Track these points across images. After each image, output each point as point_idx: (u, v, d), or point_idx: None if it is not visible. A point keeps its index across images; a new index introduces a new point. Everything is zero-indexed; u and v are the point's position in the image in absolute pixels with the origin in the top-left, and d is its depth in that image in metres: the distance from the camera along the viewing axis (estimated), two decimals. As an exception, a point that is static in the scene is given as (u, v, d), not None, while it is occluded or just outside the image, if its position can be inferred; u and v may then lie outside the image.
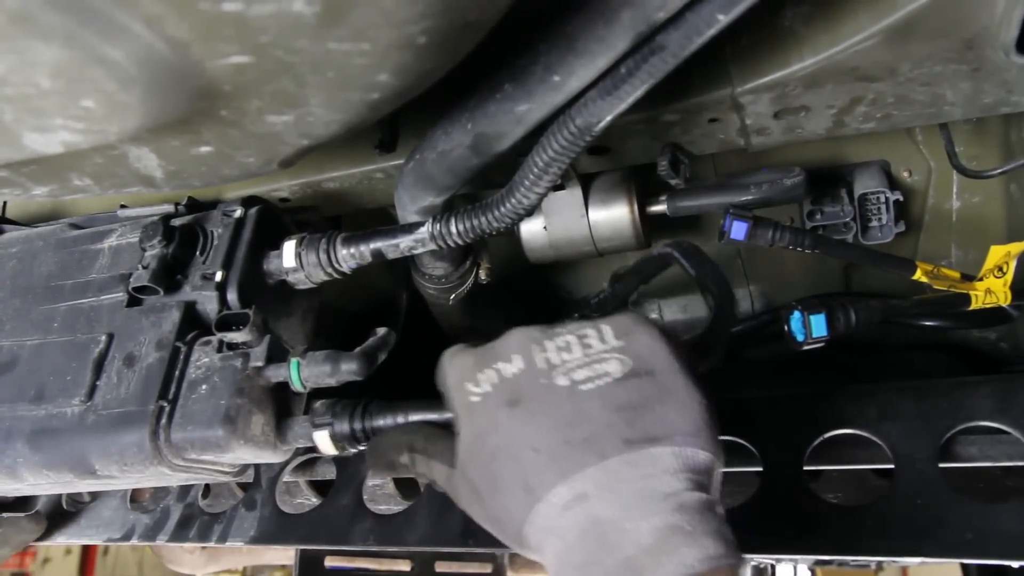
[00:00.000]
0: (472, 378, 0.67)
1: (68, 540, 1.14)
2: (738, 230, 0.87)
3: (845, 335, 0.85)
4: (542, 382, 0.64)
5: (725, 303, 0.77)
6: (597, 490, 0.59)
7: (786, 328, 0.86)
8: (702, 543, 0.55)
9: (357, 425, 0.78)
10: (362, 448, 0.79)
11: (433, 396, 0.75)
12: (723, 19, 0.58)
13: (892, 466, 0.81)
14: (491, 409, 0.65)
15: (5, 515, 1.14)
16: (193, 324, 0.84)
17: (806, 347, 0.85)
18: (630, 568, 0.55)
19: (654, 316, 1.25)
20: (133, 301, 0.86)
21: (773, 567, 1.24)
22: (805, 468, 0.84)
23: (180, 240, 0.87)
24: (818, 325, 0.82)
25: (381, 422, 0.78)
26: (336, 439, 0.78)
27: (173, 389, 0.79)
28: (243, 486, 1.10)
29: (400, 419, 0.77)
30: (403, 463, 0.72)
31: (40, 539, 1.16)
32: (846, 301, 0.87)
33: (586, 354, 0.64)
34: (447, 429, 0.70)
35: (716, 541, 0.56)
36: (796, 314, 0.84)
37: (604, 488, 0.59)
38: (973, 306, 0.91)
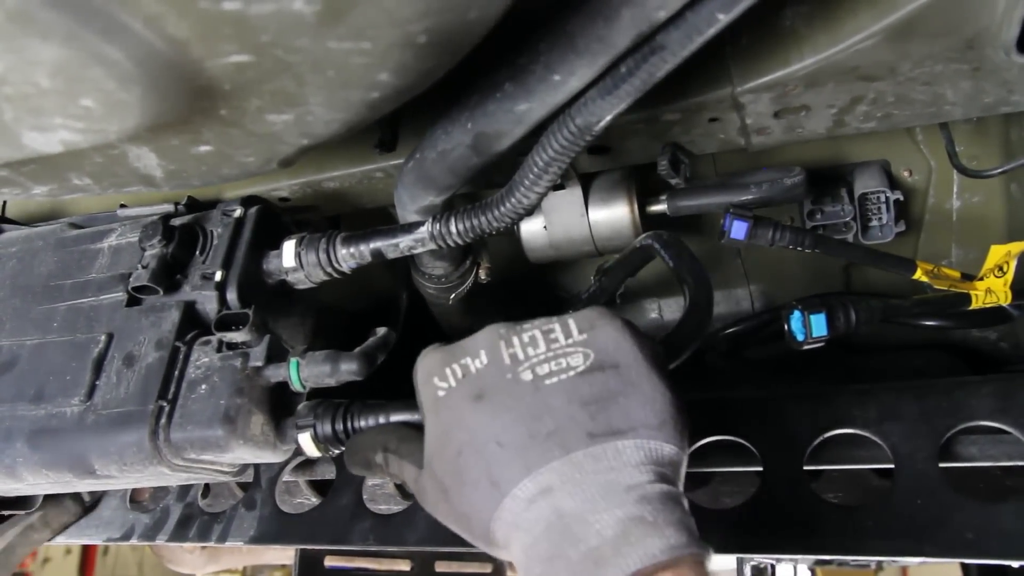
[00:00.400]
0: (439, 373, 0.67)
1: (68, 540, 1.14)
2: (738, 229, 0.87)
3: (845, 335, 0.85)
4: (507, 377, 0.64)
5: (700, 296, 0.76)
6: (562, 483, 0.59)
7: (786, 327, 0.86)
8: (665, 533, 0.56)
9: (339, 426, 0.78)
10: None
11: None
12: (723, 18, 0.58)
13: (892, 466, 0.81)
14: (456, 404, 0.65)
15: (16, 512, 1.14)
16: (193, 324, 0.84)
17: (806, 347, 0.85)
18: (594, 560, 0.55)
19: (654, 315, 1.25)
20: (133, 301, 0.86)
21: (773, 567, 1.23)
22: (805, 468, 0.84)
23: (180, 240, 0.86)
24: (818, 325, 0.82)
25: (363, 423, 0.78)
26: (318, 440, 0.78)
27: (172, 389, 0.79)
28: (243, 486, 1.10)
29: (382, 420, 0.78)
30: (378, 463, 0.73)
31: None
32: (847, 300, 0.87)
33: (551, 348, 0.65)
34: (420, 430, 0.70)
35: (679, 531, 0.56)
36: (796, 313, 0.84)
37: (568, 481, 0.59)
38: (973, 306, 0.91)
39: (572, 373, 0.63)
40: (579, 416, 0.61)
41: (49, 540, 1.13)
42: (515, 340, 0.66)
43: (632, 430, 0.61)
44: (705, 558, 0.57)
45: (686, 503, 0.61)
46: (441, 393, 0.67)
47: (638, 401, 0.63)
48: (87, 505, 1.15)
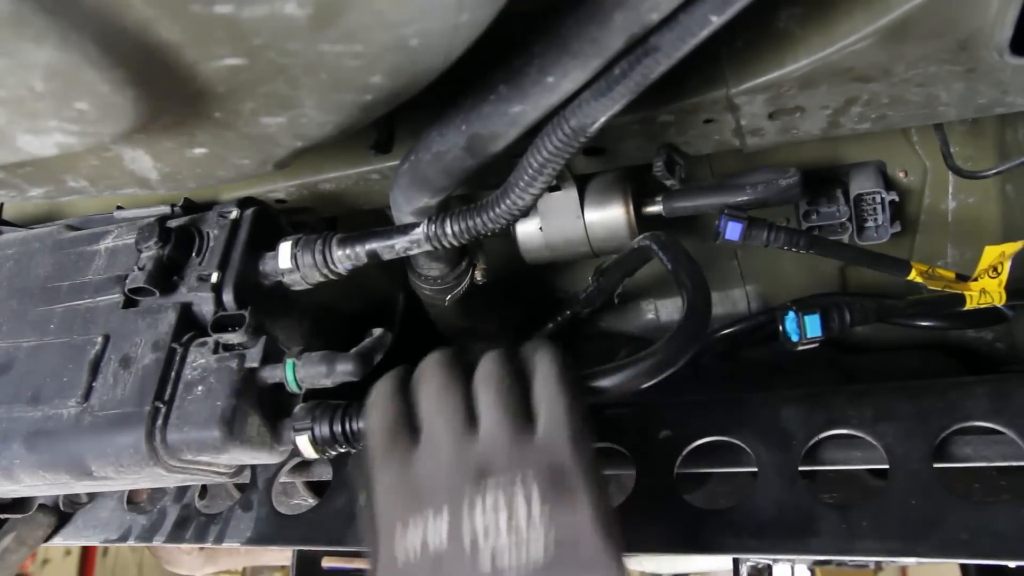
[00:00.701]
0: (399, 523, 0.66)
1: (65, 541, 1.14)
2: (733, 231, 0.88)
3: (840, 335, 0.85)
4: (465, 568, 0.63)
5: (698, 300, 0.77)
6: None
7: (781, 328, 0.86)
8: None
9: (337, 428, 0.78)
10: (343, 450, 0.80)
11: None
12: (716, 20, 0.58)
13: (887, 466, 0.81)
14: None
15: (13, 516, 1.14)
16: (189, 325, 0.84)
17: (801, 347, 0.85)
18: None
19: (650, 316, 1.26)
20: (129, 302, 0.86)
21: (770, 567, 1.24)
22: (801, 468, 0.84)
23: (176, 241, 0.87)
24: (812, 325, 0.82)
25: (360, 425, 0.78)
26: (316, 443, 0.78)
27: (169, 390, 0.79)
28: (240, 487, 1.10)
29: None
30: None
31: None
32: (841, 302, 0.87)
33: (512, 531, 0.63)
34: None
35: None
36: (791, 314, 0.85)
37: None
38: (968, 306, 0.91)
39: (531, 567, 0.62)
40: None
41: (29, 554, 1.14)
42: (478, 503, 0.64)
43: None
44: None
45: None
46: (399, 562, 0.65)
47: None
48: (63, 512, 1.15)
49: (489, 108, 0.70)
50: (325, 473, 1.07)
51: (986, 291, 0.90)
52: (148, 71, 0.52)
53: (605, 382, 0.72)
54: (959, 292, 0.91)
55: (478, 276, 0.98)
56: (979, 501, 0.75)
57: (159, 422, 0.77)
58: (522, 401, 0.69)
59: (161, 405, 0.77)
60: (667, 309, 1.25)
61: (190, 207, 0.95)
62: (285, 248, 0.86)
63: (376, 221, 0.94)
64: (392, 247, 0.83)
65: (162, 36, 0.49)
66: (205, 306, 0.84)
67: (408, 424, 0.71)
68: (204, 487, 1.13)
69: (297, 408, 0.81)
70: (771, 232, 0.89)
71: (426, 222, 0.81)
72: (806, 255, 1.10)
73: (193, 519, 1.07)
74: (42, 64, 0.50)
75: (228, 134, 0.64)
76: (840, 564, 2.03)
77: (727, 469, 0.87)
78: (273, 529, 1.02)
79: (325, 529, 0.98)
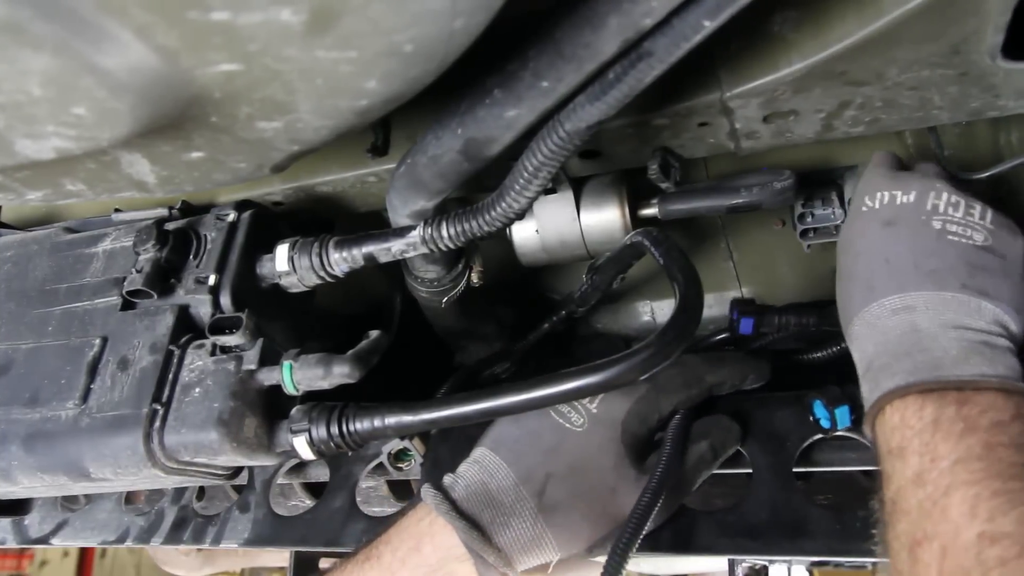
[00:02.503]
0: (871, 193, 0.81)
1: (62, 542, 1.14)
2: (746, 326, 0.96)
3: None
4: (920, 217, 0.76)
5: (690, 293, 0.77)
6: (924, 308, 0.71)
7: (811, 417, 0.87)
8: (999, 369, 0.67)
9: (334, 429, 0.78)
10: (340, 451, 0.80)
11: (418, 399, 0.77)
12: (709, 25, 0.59)
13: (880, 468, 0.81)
14: (870, 221, 0.79)
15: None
16: (186, 327, 0.84)
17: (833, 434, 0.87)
18: (934, 363, 0.67)
19: (646, 318, 1.26)
20: (127, 305, 0.86)
21: (766, 568, 1.24)
22: (795, 470, 0.85)
23: (174, 244, 0.87)
24: (843, 417, 0.84)
25: (358, 426, 0.78)
26: (314, 444, 0.79)
27: (167, 392, 0.79)
28: (237, 488, 1.10)
29: (378, 422, 0.78)
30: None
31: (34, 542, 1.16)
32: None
33: (965, 217, 0.76)
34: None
35: (1012, 371, 0.67)
36: (817, 404, 0.86)
37: (931, 309, 0.71)
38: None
39: (970, 242, 0.74)
40: (960, 270, 0.72)
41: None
42: (943, 196, 0.77)
43: (998, 300, 0.71)
44: None
45: (1019, 367, 0.69)
46: (864, 209, 0.81)
47: (1009, 287, 0.73)
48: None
49: (484, 112, 0.71)
50: (322, 474, 1.07)
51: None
52: (145, 77, 0.52)
53: (596, 378, 0.73)
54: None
55: (475, 278, 0.98)
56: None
57: (157, 424, 0.77)
58: None
59: (159, 407, 0.78)
60: (663, 311, 1.25)
61: (188, 210, 0.95)
62: (282, 250, 0.87)
63: (373, 223, 0.94)
64: (388, 250, 0.84)
65: (159, 42, 0.50)
66: (202, 308, 0.84)
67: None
68: (202, 488, 1.13)
69: (294, 410, 0.81)
70: (781, 317, 0.96)
71: (422, 225, 0.81)
72: (803, 257, 1.12)
73: (191, 520, 1.07)
74: (39, 70, 0.51)
75: (225, 138, 0.64)
76: (838, 565, 2.02)
77: (722, 471, 0.88)
78: (271, 530, 1.02)
79: (322, 530, 0.99)
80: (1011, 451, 0.62)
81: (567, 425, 0.83)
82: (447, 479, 0.83)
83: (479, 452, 0.85)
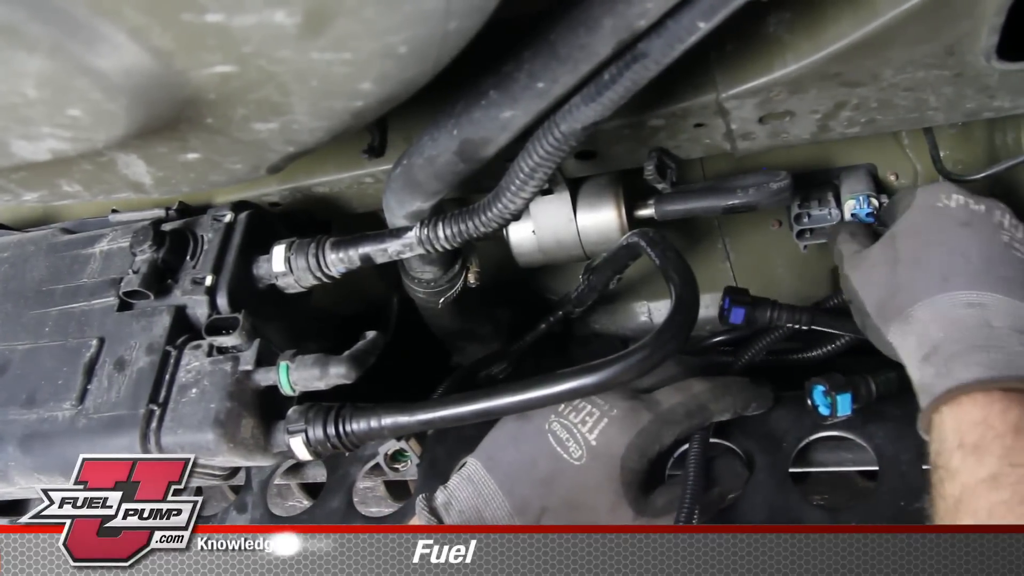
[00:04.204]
0: (947, 192, 0.82)
1: (61, 543, 1.14)
2: (736, 315, 0.93)
3: (867, 406, 0.86)
4: (990, 229, 0.78)
5: (686, 293, 0.77)
6: (995, 306, 0.71)
7: (809, 401, 0.86)
8: None
9: (331, 430, 0.78)
10: (337, 452, 0.80)
11: (415, 399, 0.77)
12: (704, 26, 0.59)
13: (877, 468, 0.81)
14: (946, 218, 0.80)
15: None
16: (183, 328, 0.84)
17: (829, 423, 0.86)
18: (1011, 363, 0.67)
19: (643, 319, 1.26)
20: (124, 305, 0.86)
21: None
22: (791, 470, 0.85)
23: (170, 245, 0.87)
24: (844, 404, 0.83)
25: (355, 426, 0.78)
26: (310, 445, 0.79)
27: (163, 393, 0.79)
28: (234, 489, 1.10)
29: (374, 423, 0.78)
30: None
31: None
32: (868, 376, 0.86)
33: None
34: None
35: None
36: (818, 389, 0.85)
37: (1002, 309, 0.71)
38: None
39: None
40: None
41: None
42: (1008, 217, 0.80)
43: None
44: None
45: None
46: (940, 205, 0.81)
47: None
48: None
49: (480, 113, 0.71)
50: (319, 475, 1.07)
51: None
52: (140, 79, 0.53)
53: (593, 378, 0.73)
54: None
55: (471, 279, 0.98)
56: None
57: (153, 424, 0.77)
58: None
59: (155, 408, 0.78)
60: (659, 311, 1.25)
61: (184, 210, 0.95)
62: (279, 251, 0.87)
63: (370, 224, 0.94)
64: (385, 250, 0.84)
65: (153, 44, 0.50)
66: (199, 309, 0.84)
67: None
68: (199, 489, 1.13)
69: (291, 411, 0.81)
70: (773, 311, 0.94)
71: (419, 226, 0.81)
72: (800, 258, 1.12)
73: (188, 521, 1.07)
74: (34, 72, 0.51)
75: (220, 139, 0.64)
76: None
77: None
78: (268, 531, 1.02)
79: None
80: None
81: (564, 455, 0.80)
82: (440, 497, 0.81)
83: (473, 467, 0.82)
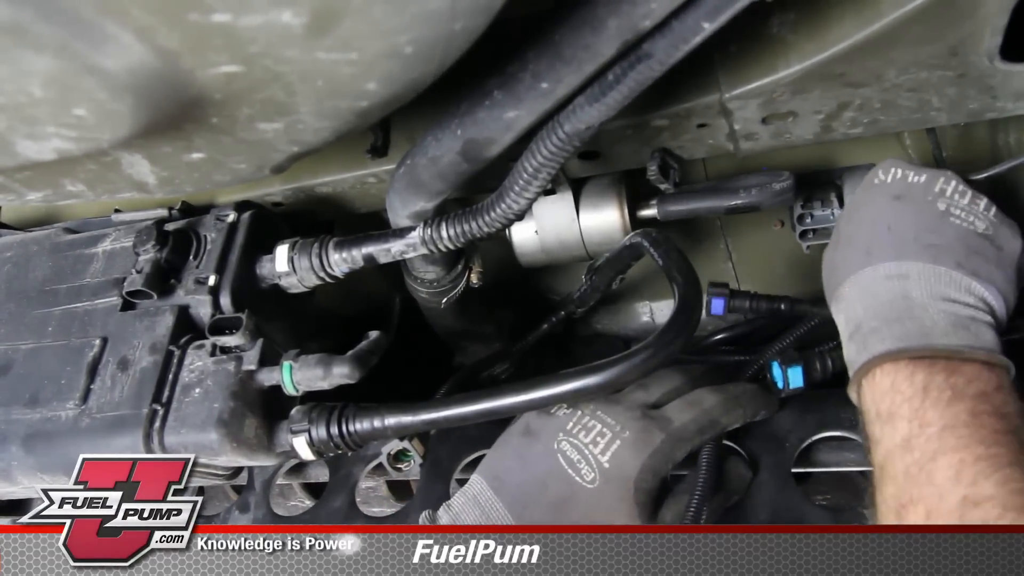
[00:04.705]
0: (886, 168, 0.83)
1: (63, 542, 1.14)
2: (717, 306, 0.96)
3: (823, 382, 0.87)
4: (927, 198, 0.78)
5: (689, 294, 0.77)
6: (918, 278, 0.73)
7: (768, 376, 0.88)
8: (982, 340, 0.70)
9: (334, 430, 0.79)
10: (340, 452, 0.80)
11: (418, 399, 0.77)
12: (708, 27, 0.59)
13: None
14: (879, 192, 0.81)
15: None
16: (186, 328, 0.84)
17: (784, 395, 0.88)
18: (924, 332, 0.69)
19: (645, 319, 1.26)
20: (127, 305, 0.87)
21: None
22: (794, 471, 0.85)
23: (173, 244, 0.87)
24: (795, 377, 0.85)
25: (358, 426, 0.78)
26: (313, 444, 0.79)
27: (167, 392, 0.79)
28: (237, 488, 1.10)
29: (377, 422, 0.78)
30: None
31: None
32: (825, 350, 0.88)
33: (969, 206, 0.78)
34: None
35: (992, 344, 0.70)
36: (774, 365, 0.87)
37: (923, 279, 0.73)
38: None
39: (971, 228, 0.77)
40: (957, 249, 0.74)
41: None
42: (952, 184, 0.80)
43: (989, 283, 0.73)
44: (1008, 369, 0.69)
45: (999, 344, 0.71)
46: (876, 182, 0.82)
47: (1001, 275, 0.75)
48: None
49: (484, 113, 0.71)
50: (322, 475, 1.07)
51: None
52: (146, 78, 0.53)
53: (596, 379, 0.73)
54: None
55: (474, 279, 0.99)
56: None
57: (156, 424, 0.77)
58: None
59: (159, 407, 0.78)
60: (662, 311, 1.25)
61: (188, 210, 0.95)
62: (282, 251, 0.87)
63: (373, 224, 0.94)
64: (388, 250, 0.84)
65: (160, 44, 0.50)
66: (202, 309, 0.84)
67: None
68: (201, 488, 1.13)
69: (294, 410, 0.81)
70: (753, 301, 0.96)
71: (422, 226, 0.81)
72: (802, 256, 1.12)
73: (190, 520, 1.07)
74: (40, 71, 0.51)
75: (225, 139, 0.64)
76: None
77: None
78: (270, 531, 1.02)
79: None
80: (994, 419, 0.64)
81: (576, 477, 0.77)
82: (445, 517, 0.79)
83: (478, 486, 0.80)
